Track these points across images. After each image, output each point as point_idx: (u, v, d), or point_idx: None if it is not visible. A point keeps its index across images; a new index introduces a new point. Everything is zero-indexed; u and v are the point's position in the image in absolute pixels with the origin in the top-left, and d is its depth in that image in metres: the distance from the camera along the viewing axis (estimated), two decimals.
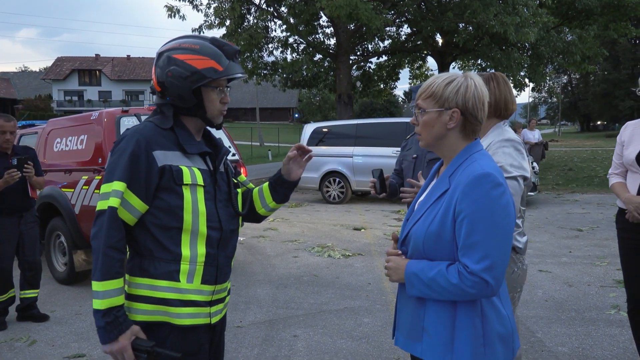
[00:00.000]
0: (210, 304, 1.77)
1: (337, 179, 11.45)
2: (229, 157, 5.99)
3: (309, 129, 11.85)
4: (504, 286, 1.65)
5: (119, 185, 1.62)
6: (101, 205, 1.63)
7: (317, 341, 3.90)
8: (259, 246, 7.25)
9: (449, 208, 1.52)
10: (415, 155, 3.66)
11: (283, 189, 1.98)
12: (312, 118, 56.71)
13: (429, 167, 3.52)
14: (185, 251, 1.69)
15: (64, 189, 5.42)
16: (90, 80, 59.43)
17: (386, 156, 10.47)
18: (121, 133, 1.75)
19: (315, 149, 11.39)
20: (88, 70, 59.23)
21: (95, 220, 1.63)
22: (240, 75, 1.80)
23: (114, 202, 1.61)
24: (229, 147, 6.05)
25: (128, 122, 5.29)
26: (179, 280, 1.68)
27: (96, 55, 61.88)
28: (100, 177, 5.08)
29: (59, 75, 57.96)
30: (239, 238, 7.60)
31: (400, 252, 1.68)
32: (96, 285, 1.58)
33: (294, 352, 3.71)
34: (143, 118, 5.53)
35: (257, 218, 2.05)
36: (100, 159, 5.16)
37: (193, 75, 1.70)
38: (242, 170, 6.04)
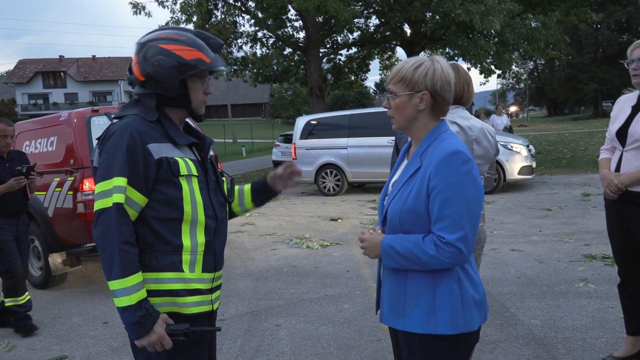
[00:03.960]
0: (211, 291, 1.81)
1: (333, 171, 11.40)
2: None
3: (301, 122, 11.77)
4: (472, 257, 1.75)
5: (120, 181, 1.60)
6: (103, 203, 1.59)
7: (299, 329, 3.96)
8: (237, 241, 7.27)
9: (422, 184, 1.61)
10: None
11: (264, 195, 2.07)
12: (285, 113, 56.57)
13: None
14: (186, 241, 1.71)
15: (36, 193, 5.34)
16: (55, 83, 57.88)
17: (381, 146, 10.39)
18: (112, 127, 1.69)
19: (309, 142, 11.44)
20: (52, 72, 57.65)
21: (98, 219, 1.59)
22: (224, 68, 1.84)
23: (118, 197, 1.59)
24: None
25: (99, 122, 5.23)
26: (183, 271, 1.70)
27: (60, 56, 60.26)
28: (72, 179, 5.03)
29: (22, 78, 56.34)
30: None
31: (372, 230, 1.76)
32: (119, 284, 1.56)
33: (277, 341, 3.77)
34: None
35: (230, 215, 2.07)
36: (72, 160, 5.10)
37: (182, 66, 1.70)
38: (217, 166, 6.06)
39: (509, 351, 3.34)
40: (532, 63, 63.11)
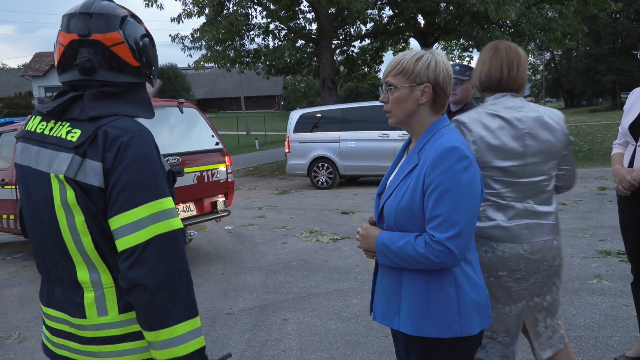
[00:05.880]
0: None
1: (325, 165, 11.49)
2: (214, 146, 6.01)
3: (295, 115, 11.86)
4: (476, 257, 1.70)
5: (170, 202, 1.31)
6: (159, 228, 1.25)
7: (306, 324, 3.94)
8: (247, 234, 7.27)
9: (418, 182, 1.57)
10: None
11: None
12: (298, 105, 56.47)
13: None
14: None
15: None
16: None
17: (372, 140, 10.56)
18: (116, 132, 1.29)
19: (303, 135, 11.49)
20: None
21: (154, 249, 1.24)
22: None
23: (178, 222, 1.30)
24: (212, 136, 6.05)
25: None
26: None
27: None
28: None
29: (38, 71, 56.88)
30: (227, 227, 7.66)
31: (374, 221, 1.73)
32: (185, 327, 1.26)
33: (284, 335, 3.76)
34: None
35: None
36: None
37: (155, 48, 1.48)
38: (226, 160, 6.05)
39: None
40: (549, 54, 62.11)
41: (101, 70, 1.34)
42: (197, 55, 33.47)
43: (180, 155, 5.46)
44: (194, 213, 5.69)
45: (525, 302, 2.14)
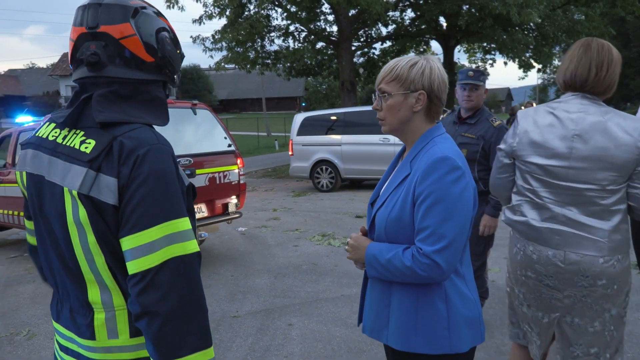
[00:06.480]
0: None
1: (327, 168, 11.58)
2: (226, 147, 6.02)
3: (298, 118, 11.97)
4: (470, 270, 1.64)
5: (187, 223, 1.20)
6: (174, 250, 1.16)
7: (311, 329, 3.90)
8: (260, 236, 7.27)
9: (409, 192, 1.52)
10: None
11: None
12: (320, 106, 56.52)
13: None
14: None
15: None
16: None
17: (373, 144, 10.67)
18: (132, 144, 1.18)
19: (305, 138, 11.65)
20: None
21: (167, 273, 1.14)
22: None
23: (194, 245, 1.20)
24: (225, 137, 6.06)
25: None
26: None
27: None
28: None
29: (65, 71, 58.07)
30: (240, 228, 7.67)
31: (366, 231, 1.69)
32: (204, 355, 1.18)
33: (288, 341, 3.72)
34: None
35: None
36: None
37: (179, 46, 1.36)
38: (238, 162, 6.06)
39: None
40: None
41: (110, 66, 1.23)
42: (217, 56, 33.83)
43: (193, 156, 5.49)
44: (205, 214, 5.70)
45: (561, 316, 2.05)
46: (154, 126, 1.29)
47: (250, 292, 4.84)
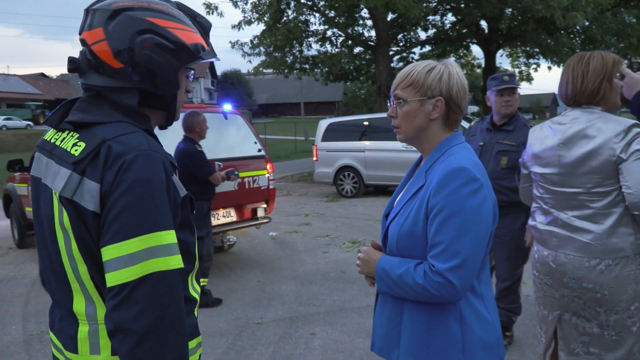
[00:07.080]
0: None
1: (351, 174, 11.52)
2: (256, 152, 6.01)
3: (323, 124, 11.95)
4: (490, 289, 1.53)
5: (172, 236, 1.13)
6: (155, 265, 1.08)
7: (334, 340, 3.82)
8: (290, 241, 7.23)
9: (422, 205, 1.43)
10: (481, 143, 3.50)
11: None
12: (358, 111, 56.38)
13: (497, 158, 3.36)
14: (195, 295, 1.33)
15: None
16: None
17: (396, 150, 10.52)
18: (120, 149, 1.13)
19: (330, 144, 11.70)
20: None
21: (146, 289, 1.06)
22: (218, 59, 1.40)
23: (177, 261, 1.13)
24: (255, 142, 6.06)
25: None
26: (200, 334, 1.36)
27: None
28: None
29: None
30: (271, 233, 7.66)
31: (377, 245, 1.62)
32: None
33: (310, 351, 3.65)
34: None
35: None
36: None
37: (181, 52, 1.23)
38: (268, 167, 6.04)
39: None
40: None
41: (88, 72, 1.21)
42: (256, 61, 34.24)
43: (223, 160, 5.50)
44: (234, 219, 5.70)
45: (560, 314, 2.18)
46: (159, 130, 1.26)
47: (276, 299, 4.80)
